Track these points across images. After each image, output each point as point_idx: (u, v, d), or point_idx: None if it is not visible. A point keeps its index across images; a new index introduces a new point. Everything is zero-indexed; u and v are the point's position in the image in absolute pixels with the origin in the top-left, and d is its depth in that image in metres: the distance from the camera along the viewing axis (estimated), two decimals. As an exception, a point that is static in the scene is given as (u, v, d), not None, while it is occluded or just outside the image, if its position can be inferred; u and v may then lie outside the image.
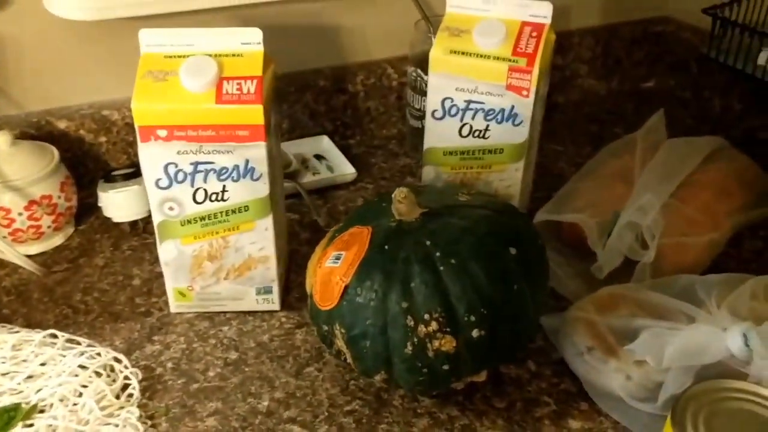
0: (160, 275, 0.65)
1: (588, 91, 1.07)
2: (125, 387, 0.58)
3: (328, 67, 0.91)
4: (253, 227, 0.61)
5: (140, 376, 0.59)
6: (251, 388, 0.59)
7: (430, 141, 0.71)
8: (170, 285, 0.65)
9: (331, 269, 0.54)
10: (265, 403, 0.58)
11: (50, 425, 0.54)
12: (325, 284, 0.54)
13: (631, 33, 1.06)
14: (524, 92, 0.65)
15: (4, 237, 0.71)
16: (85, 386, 0.57)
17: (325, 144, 0.91)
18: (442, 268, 0.51)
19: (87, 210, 0.80)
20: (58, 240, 0.75)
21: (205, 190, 0.60)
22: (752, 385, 0.47)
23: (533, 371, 0.60)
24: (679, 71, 1.05)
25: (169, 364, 0.61)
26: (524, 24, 0.66)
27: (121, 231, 0.77)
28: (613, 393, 0.56)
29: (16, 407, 0.55)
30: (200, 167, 0.58)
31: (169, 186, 0.59)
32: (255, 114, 0.56)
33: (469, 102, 0.67)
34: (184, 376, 0.60)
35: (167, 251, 0.63)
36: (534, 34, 0.65)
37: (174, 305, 0.66)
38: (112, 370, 0.59)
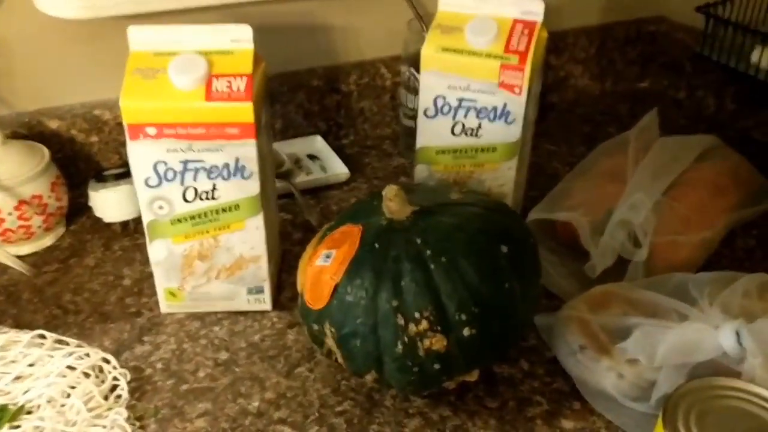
0: (151, 275, 0.64)
1: (582, 91, 1.07)
2: (114, 388, 0.58)
3: (321, 67, 0.91)
4: (243, 226, 0.61)
5: (129, 377, 0.59)
6: (241, 388, 0.59)
7: (422, 140, 0.70)
8: (160, 285, 0.64)
9: (322, 268, 0.54)
10: (256, 404, 0.57)
11: (37, 427, 0.53)
12: (315, 283, 0.54)
13: (624, 33, 1.06)
14: (516, 90, 0.64)
15: (-6, 237, 0.70)
16: (73, 387, 0.56)
17: (318, 144, 0.90)
18: (432, 266, 0.51)
19: (79, 210, 0.79)
20: (48, 240, 0.75)
21: (195, 189, 0.59)
22: (745, 383, 0.46)
23: (526, 370, 0.60)
24: (673, 71, 1.05)
25: (159, 365, 0.61)
26: (516, 22, 0.65)
27: (112, 231, 0.77)
28: (605, 392, 0.56)
29: (2, 408, 0.54)
30: (190, 165, 0.58)
31: (159, 185, 0.59)
32: (245, 112, 0.56)
33: (461, 100, 0.67)
34: (174, 377, 0.59)
35: (157, 251, 0.62)
36: (526, 31, 0.65)
37: (164, 305, 0.66)
38: (101, 370, 0.59)
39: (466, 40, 0.65)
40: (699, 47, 0.87)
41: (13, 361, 0.59)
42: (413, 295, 0.50)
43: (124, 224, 0.76)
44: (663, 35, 1.06)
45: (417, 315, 0.50)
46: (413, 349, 0.50)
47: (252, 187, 0.59)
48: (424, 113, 0.69)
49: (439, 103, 0.67)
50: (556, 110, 1.03)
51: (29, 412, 0.55)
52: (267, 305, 0.66)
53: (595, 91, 1.08)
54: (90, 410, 0.55)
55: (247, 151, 0.57)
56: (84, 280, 0.70)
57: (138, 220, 0.74)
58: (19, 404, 0.55)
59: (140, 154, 0.58)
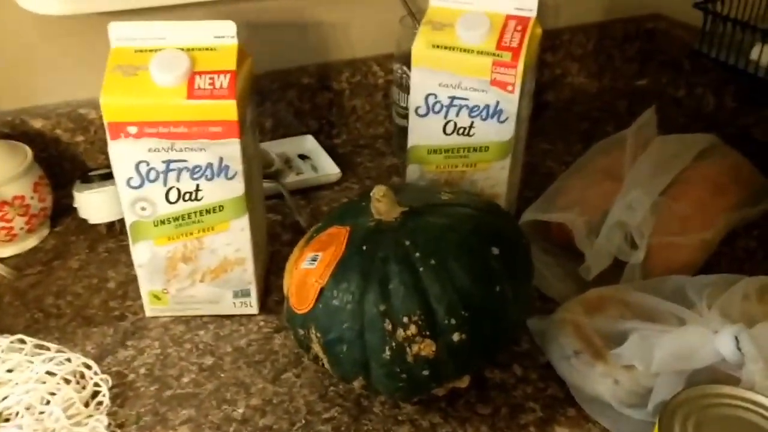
0: (136, 278, 0.63)
1: (579, 89, 1.05)
2: (95, 394, 0.56)
3: (312, 65, 0.89)
4: (228, 228, 0.59)
5: (111, 383, 0.57)
6: (226, 394, 0.57)
7: (414, 139, 0.69)
8: (144, 288, 0.63)
9: (307, 271, 0.52)
10: (241, 410, 0.55)
11: (14, 434, 0.52)
12: (300, 286, 0.52)
13: (622, 30, 1.04)
14: (509, 87, 0.63)
15: (-25, 239, 0.69)
16: (53, 394, 0.55)
17: (309, 143, 0.89)
18: (421, 268, 0.49)
19: (64, 211, 0.77)
20: (31, 242, 0.73)
21: (179, 190, 0.57)
22: (744, 390, 0.44)
23: (519, 376, 0.58)
24: (672, 69, 1.04)
25: (142, 370, 0.59)
26: (509, 17, 0.64)
27: (97, 232, 0.75)
28: (601, 398, 0.54)
29: (-21, 416, 0.53)
30: (173, 165, 0.56)
31: (141, 185, 0.57)
32: (228, 110, 0.54)
33: (453, 98, 0.65)
34: (157, 383, 0.58)
35: (141, 253, 0.60)
36: (519, 27, 0.63)
37: (149, 309, 0.64)
38: (82, 376, 0.57)
39: (458, 36, 0.63)
40: (697, 44, 0.85)
41: (-9, 367, 0.57)
42: (401, 298, 0.49)
43: (110, 225, 0.75)
44: (661, 32, 1.05)
45: (405, 319, 0.48)
46: (401, 355, 0.49)
47: (236, 187, 0.57)
48: (416, 111, 0.67)
49: (431, 101, 0.66)
50: (551, 108, 1.01)
51: (6, 420, 0.54)
52: (253, 309, 0.64)
53: (592, 89, 1.06)
54: (69, 417, 0.53)
55: (231, 150, 0.56)
56: (67, 283, 0.68)
57: (124, 222, 0.73)
58: (-4, 412, 0.53)
59: (122, 154, 0.56)
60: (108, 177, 0.74)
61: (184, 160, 0.56)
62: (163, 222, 0.59)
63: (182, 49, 0.55)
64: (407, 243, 0.51)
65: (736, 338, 0.49)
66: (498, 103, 0.64)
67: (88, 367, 0.58)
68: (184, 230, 0.59)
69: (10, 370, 0.57)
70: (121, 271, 0.70)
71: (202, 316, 0.64)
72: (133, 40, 0.56)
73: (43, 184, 0.73)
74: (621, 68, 1.07)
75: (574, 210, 0.66)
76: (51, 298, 0.67)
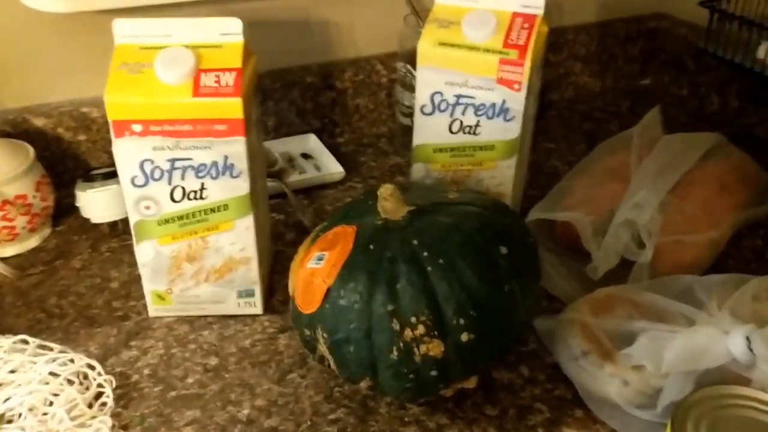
0: (140, 278, 0.62)
1: (582, 89, 1.05)
2: (99, 395, 0.56)
3: (315, 64, 0.89)
4: (233, 227, 0.59)
5: (115, 384, 0.57)
6: (231, 395, 0.56)
7: (419, 137, 0.68)
8: (148, 288, 0.62)
9: (313, 270, 0.52)
10: (246, 411, 0.55)
11: (18, 436, 0.51)
12: (306, 286, 0.52)
13: (625, 29, 1.04)
14: (516, 86, 0.62)
15: (-24, 238, 0.68)
16: (56, 395, 0.54)
17: (312, 142, 0.88)
18: (429, 268, 0.49)
19: (66, 210, 0.77)
20: (34, 241, 0.73)
21: (183, 188, 0.57)
22: (756, 391, 0.44)
23: (526, 376, 0.58)
24: (675, 68, 1.03)
25: (146, 371, 0.58)
26: (515, 15, 0.63)
27: (100, 232, 0.74)
28: (609, 399, 0.53)
29: (-19, 417, 0.52)
30: (177, 164, 0.56)
31: (146, 184, 0.57)
32: (233, 108, 0.54)
33: (459, 97, 0.64)
34: (162, 383, 0.57)
35: (144, 252, 0.60)
36: (525, 25, 0.63)
37: (152, 309, 0.63)
38: (86, 377, 0.57)
39: (464, 34, 0.63)
40: (702, 43, 0.85)
41: (-7, 368, 0.56)
42: (409, 298, 0.48)
43: (113, 225, 0.74)
44: (664, 32, 1.04)
45: (413, 319, 0.48)
46: (409, 355, 0.48)
47: (241, 186, 0.57)
48: (421, 110, 0.66)
49: (437, 99, 0.65)
50: (555, 108, 1.01)
51: (9, 421, 0.53)
52: (258, 309, 0.64)
53: (596, 88, 1.06)
54: (73, 419, 0.53)
55: (236, 148, 0.55)
56: (70, 283, 0.68)
57: (127, 221, 0.72)
58: (-1, 413, 0.53)
59: (126, 152, 0.56)
60: (110, 176, 0.74)
61: (189, 159, 0.56)
62: (167, 221, 0.58)
63: (187, 47, 0.55)
64: (415, 242, 0.50)
65: (748, 339, 0.48)
66: (504, 101, 0.63)
67: (92, 367, 0.57)
68: (189, 229, 0.59)
69: (12, 371, 0.56)
70: (124, 271, 0.69)
71: (206, 316, 0.64)
72: (138, 37, 0.56)
73: (45, 183, 0.72)
74: (624, 67, 1.06)
75: (581, 209, 0.65)
76: (53, 298, 0.66)
